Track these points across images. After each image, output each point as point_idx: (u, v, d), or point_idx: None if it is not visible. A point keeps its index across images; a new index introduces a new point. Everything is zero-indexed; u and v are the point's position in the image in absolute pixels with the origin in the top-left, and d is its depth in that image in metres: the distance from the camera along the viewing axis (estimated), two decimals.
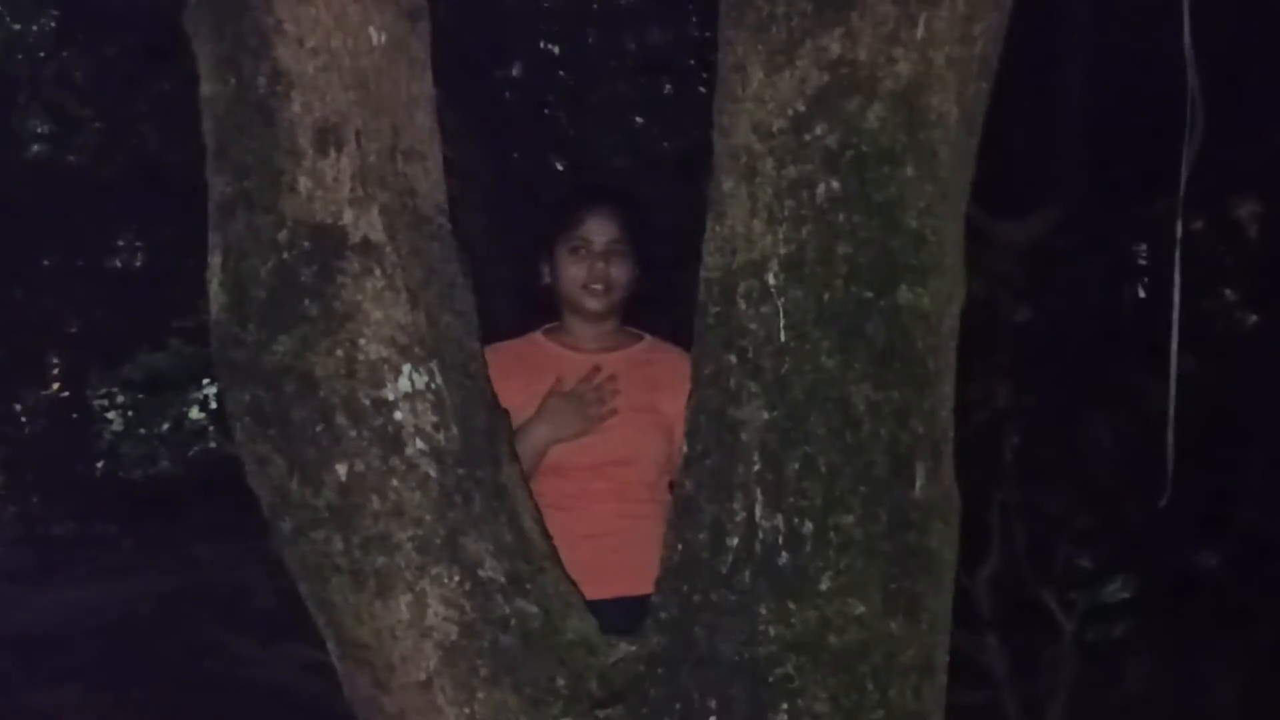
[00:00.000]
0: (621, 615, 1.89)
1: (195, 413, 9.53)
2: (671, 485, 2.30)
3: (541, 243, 2.37)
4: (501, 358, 2.06)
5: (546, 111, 7.18)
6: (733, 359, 1.60)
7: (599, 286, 2.30)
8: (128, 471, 9.61)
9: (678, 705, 1.61)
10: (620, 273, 2.32)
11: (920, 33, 1.54)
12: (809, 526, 1.56)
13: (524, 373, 2.27)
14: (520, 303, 2.44)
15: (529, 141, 6.77)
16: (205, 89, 1.65)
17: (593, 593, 1.82)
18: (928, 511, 1.60)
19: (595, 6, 7.34)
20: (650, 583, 2.11)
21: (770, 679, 1.56)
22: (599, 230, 2.31)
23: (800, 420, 1.56)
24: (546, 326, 2.42)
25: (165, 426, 9.68)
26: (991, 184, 1.85)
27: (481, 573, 1.63)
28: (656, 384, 2.31)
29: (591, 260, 2.30)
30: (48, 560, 7.23)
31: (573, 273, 2.31)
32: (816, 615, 1.55)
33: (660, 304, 2.45)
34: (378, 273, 1.61)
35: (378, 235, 1.62)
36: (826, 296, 1.56)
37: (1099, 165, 5.34)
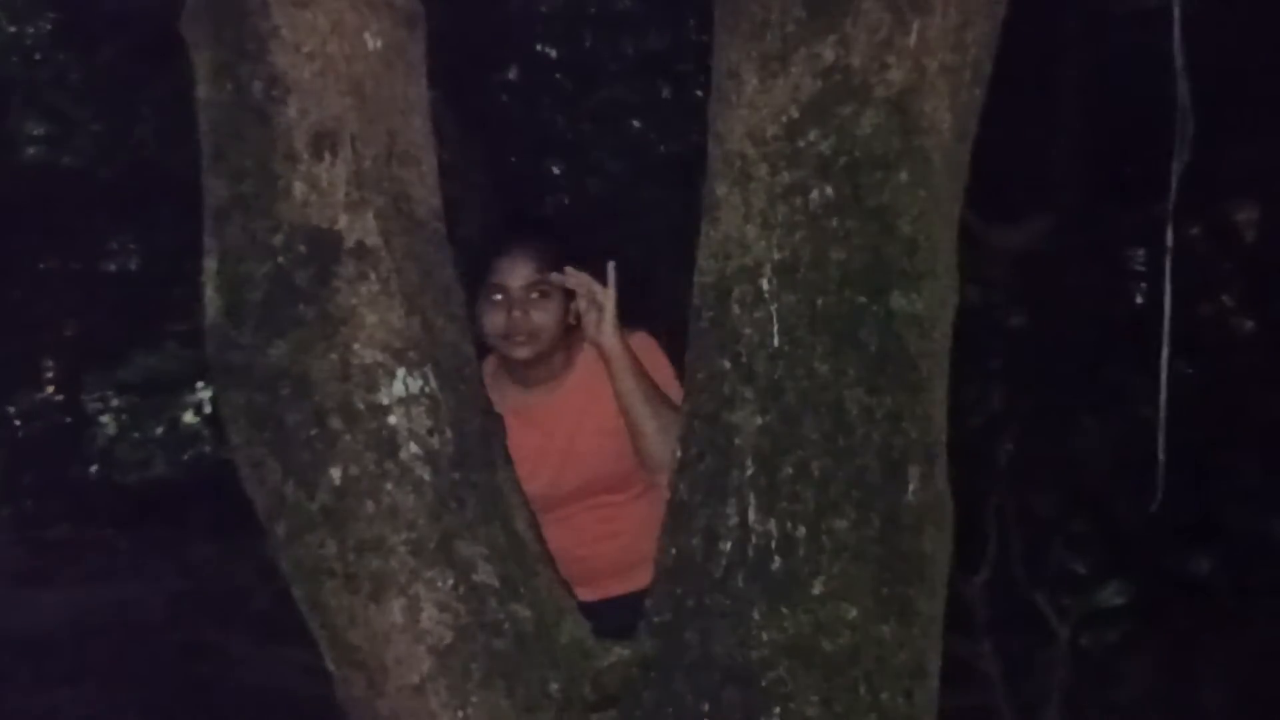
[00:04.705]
0: (610, 614, 1.89)
1: (190, 416, 9.51)
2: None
3: (470, 289, 2.09)
4: None
5: (543, 115, 7.18)
6: (726, 364, 1.61)
7: (520, 337, 2.12)
8: (123, 474, 9.58)
9: (670, 709, 1.61)
10: (543, 316, 2.12)
11: (913, 40, 1.55)
12: (802, 531, 1.56)
13: None
14: None
15: (525, 145, 6.77)
16: (202, 93, 1.66)
17: (582, 595, 1.82)
18: (920, 516, 1.61)
19: (592, 10, 7.34)
20: (636, 580, 2.06)
21: (763, 682, 1.56)
22: (513, 274, 2.11)
23: (793, 425, 1.57)
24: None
25: (160, 430, 9.66)
26: (985, 189, 1.86)
27: (475, 576, 1.63)
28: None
29: (508, 309, 2.11)
30: (43, 562, 7.21)
31: (492, 322, 2.12)
32: (809, 619, 1.56)
33: (656, 308, 2.43)
34: (373, 277, 1.62)
35: (373, 240, 1.63)
36: (820, 301, 1.57)
37: (1093, 171, 5.36)
